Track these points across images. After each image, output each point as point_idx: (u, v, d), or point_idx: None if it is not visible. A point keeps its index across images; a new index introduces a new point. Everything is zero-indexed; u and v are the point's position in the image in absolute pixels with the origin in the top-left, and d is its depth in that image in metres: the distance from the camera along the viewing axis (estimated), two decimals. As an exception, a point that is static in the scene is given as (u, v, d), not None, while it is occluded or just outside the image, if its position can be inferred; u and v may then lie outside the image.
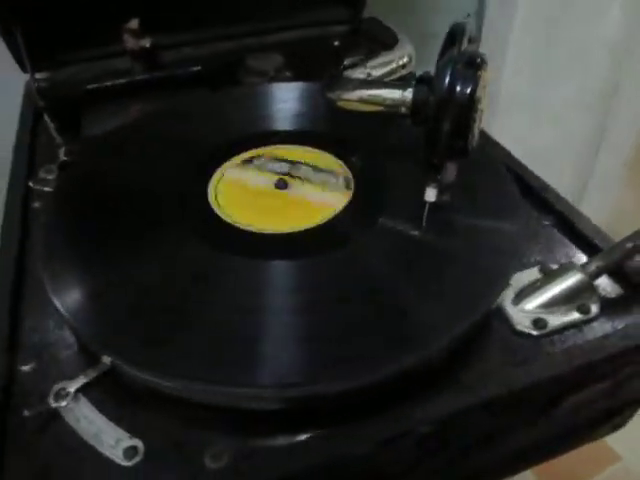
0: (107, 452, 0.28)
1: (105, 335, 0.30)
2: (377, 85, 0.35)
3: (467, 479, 0.34)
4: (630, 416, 0.39)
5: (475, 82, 0.30)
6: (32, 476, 0.27)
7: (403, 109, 0.33)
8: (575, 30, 0.89)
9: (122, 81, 0.60)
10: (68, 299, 0.31)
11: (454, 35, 0.31)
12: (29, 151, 0.50)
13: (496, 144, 0.49)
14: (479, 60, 0.31)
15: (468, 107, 0.30)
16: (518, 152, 0.98)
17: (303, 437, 0.27)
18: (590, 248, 0.37)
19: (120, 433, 0.29)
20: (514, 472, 0.35)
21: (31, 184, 0.44)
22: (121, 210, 0.37)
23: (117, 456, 0.28)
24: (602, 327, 0.33)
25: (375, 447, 0.26)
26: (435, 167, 0.32)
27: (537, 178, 0.43)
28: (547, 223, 0.40)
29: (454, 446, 0.30)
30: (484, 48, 0.89)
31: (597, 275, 0.34)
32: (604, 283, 0.36)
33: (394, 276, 0.33)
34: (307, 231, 0.36)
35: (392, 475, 0.29)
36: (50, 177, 0.46)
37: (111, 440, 0.28)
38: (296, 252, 0.34)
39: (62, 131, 0.55)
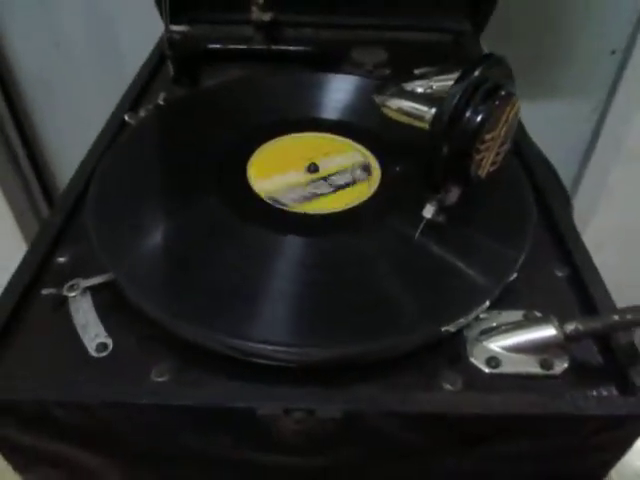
0: (86, 341, 0.34)
1: (113, 252, 0.36)
2: (414, 98, 0.37)
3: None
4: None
5: (487, 113, 0.31)
6: (31, 339, 0.34)
7: (427, 125, 0.35)
8: None
9: (240, 47, 0.67)
10: (97, 215, 0.38)
11: (480, 62, 0.31)
12: (141, 91, 0.58)
13: (557, 181, 0.48)
14: (503, 93, 0.31)
15: (471, 136, 0.31)
16: (631, 206, 0.91)
17: (232, 383, 0.31)
18: (590, 311, 0.36)
19: (101, 330, 0.34)
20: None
21: (126, 117, 0.52)
22: (172, 161, 0.43)
23: (91, 347, 0.34)
24: (555, 388, 0.32)
25: (281, 412, 0.29)
26: (434, 186, 0.33)
27: (573, 229, 0.42)
28: (560, 274, 0.39)
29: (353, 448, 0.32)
30: (621, 89, 0.83)
31: (575, 337, 0.33)
32: (589, 348, 0.35)
33: (378, 270, 0.35)
34: (321, 215, 0.39)
35: (293, 448, 0.32)
36: (144, 115, 0.54)
37: (92, 333, 0.34)
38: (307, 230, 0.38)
39: (178, 80, 0.63)
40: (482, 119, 0.31)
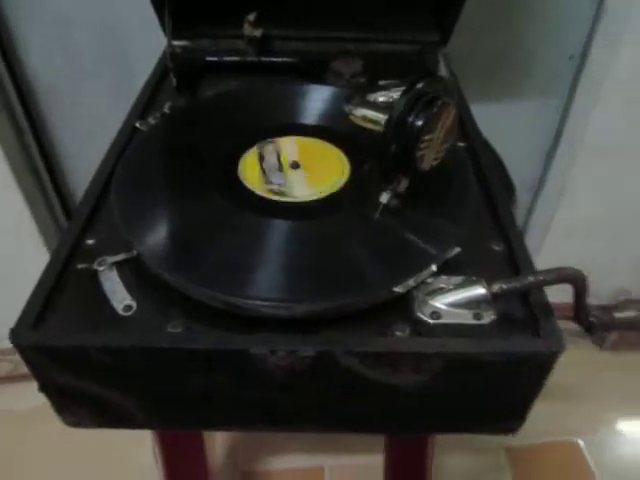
0: (114, 303, 0.43)
1: (136, 233, 0.45)
2: (374, 107, 0.46)
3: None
4: (517, 424, 0.46)
5: (426, 119, 0.40)
6: (71, 302, 0.43)
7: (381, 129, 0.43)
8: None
9: (234, 59, 0.76)
10: (122, 204, 0.46)
11: (422, 78, 0.40)
12: (149, 99, 0.67)
13: (503, 174, 0.57)
14: (440, 103, 0.40)
15: (414, 137, 0.40)
16: (594, 201, 0.99)
17: (231, 331, 0.40)
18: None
19: (126, 295, 0.43)
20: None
21: (137, 124, 0.61)
22: (178, 160, 0.52)
23: (119, 308, 0.43)
24: (483, 333, 0.41)
25: (268, 351, 0.38)
26: (387, 177, 0.42)
27: (509, 213, 0.50)
28: (497, 249, 0.48)
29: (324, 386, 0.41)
30: (579, 92, 0.92)
31: (500, 295, 0.42)
32: (514, 304, 0.44)
33: (344, 244, 0.45)
34: (299, 202, 0.48)
35: (278, 383, 0.40)
36: (153, 122, 0.62)
37: (119, 297, 0.43)
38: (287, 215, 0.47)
39: (180, 90, 0.72)
40: (422, 124, 0.40)
